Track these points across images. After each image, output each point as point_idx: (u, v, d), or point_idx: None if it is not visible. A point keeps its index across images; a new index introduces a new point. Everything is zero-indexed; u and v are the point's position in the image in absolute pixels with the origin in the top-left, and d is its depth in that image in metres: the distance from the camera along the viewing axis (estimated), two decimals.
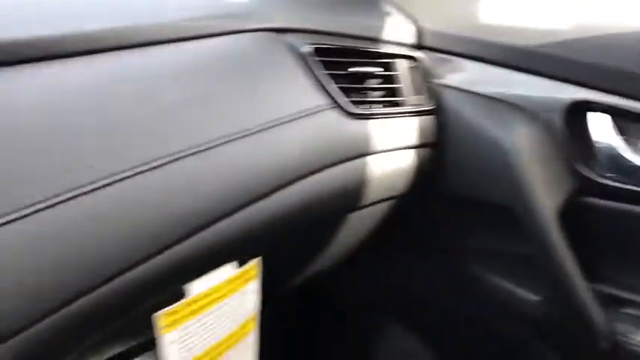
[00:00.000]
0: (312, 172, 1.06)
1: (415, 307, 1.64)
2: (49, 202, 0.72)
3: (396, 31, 1.33)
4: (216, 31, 1.05)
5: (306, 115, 1.05)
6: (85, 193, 0.76)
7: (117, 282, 0.79)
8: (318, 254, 1.29)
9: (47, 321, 0.73)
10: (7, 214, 0.68)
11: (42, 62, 0.81)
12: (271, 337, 1.18)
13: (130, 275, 0.80)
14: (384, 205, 1.31)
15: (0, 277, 0.67)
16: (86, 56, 0.87)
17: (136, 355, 1.01)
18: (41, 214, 0.71)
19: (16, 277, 0.69)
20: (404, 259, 1.60)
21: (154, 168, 0.84)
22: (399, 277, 1.63)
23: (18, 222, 0.69)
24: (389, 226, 1.40)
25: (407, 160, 1.25)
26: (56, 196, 0.73)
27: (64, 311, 0.74)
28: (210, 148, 0.91)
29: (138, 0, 1.06)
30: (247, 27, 1.08)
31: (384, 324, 1.79)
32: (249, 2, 1.16)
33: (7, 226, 0.68)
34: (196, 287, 0.93)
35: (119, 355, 0.99)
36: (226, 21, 1.08)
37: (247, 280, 1.03)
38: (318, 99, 1.07)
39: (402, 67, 1.29)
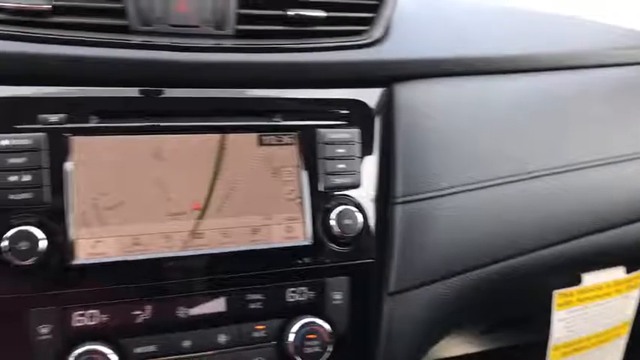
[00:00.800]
0: None
1: None
2: (494, 182, 0.95)
3: None
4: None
5: None
6: (520, 180, 0.97)
7: (534, 255, 0.98)
8: None
9: (481, 271, 0.95)
10: (476, 182, 0.92)
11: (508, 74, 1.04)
12: None
13: (545, 252, 0.98)
14: None
15: (471, 232, 0.92)
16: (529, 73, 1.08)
17: (518, 325, 1.19)
18: (498, 187, 0.94)
19: (474, 235, 0.93)
20: None
21: (572, 170, 1.01)
22: None
23: (486, 190, 0.93)
24: None
25: None
26: (499, 178, 0.95)
27: (496, 266, 0.95)
28: (618, 162, 1.04)
29: (574, 28, 1.22)
30: None
31: None
32: None
33: (477, 192, 0.92)
34: (589, 279, 1.06)
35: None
36: None
37: (631, 287, 1.12)
38: None
39: None
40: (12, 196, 0.71)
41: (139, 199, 0.77)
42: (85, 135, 0.76)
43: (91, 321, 0.74)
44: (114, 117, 0.78)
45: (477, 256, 0.94)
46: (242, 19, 0.83)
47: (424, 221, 0.90)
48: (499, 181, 0.96)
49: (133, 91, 0.79)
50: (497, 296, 1.02)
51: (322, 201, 0.84)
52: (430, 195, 0.91)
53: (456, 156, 0.95)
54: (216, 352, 0.79)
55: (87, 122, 0.76)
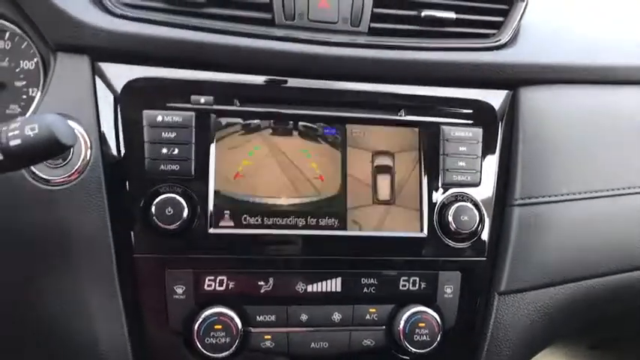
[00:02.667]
0: None
1: None
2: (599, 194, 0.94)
3: None
4: None
5: None
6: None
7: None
8: None
9: (595, 281, 0.94)
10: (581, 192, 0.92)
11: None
12: None
13: None
14: None
15: (587, 240, 0.91)
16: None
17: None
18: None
19: (590, 244, 0.92)
20: None
21: None
22: None
23: (606, 199, 0.91)
24: None
25: None
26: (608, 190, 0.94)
27: (612, 278, 0.94)
28: None
29: None
30: None
31: None
32: None
33: (597, 201, 0.91)
34: None
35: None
36: None
37: None
38: None
39: None
40: (162, 167, 0.79)
41: (271, 179, 0.83)
42: (227, 117, 0.83)
43: (220, 286, 0.81)
44: (253, 102, 0.84)
45: (592, 265, 0.93)
46: (376, 17, 0.87)
47: (540, 225, 0.90)
48: (619, 191, 0.95)
49: (271, 80, 0.85)
50: (612, 310, 1.00)
51: (440, 196, 0.87)
52: (549, 200, 0.91)
53: (577, 164, 0.94)
54: (330, 328, 0.83)
55: (230, 105, 0.83)
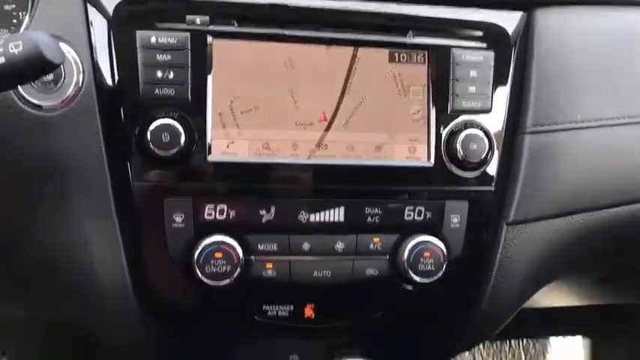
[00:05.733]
0: None
1: None
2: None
3: None
4: None
5: None
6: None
7: None
8: None
9: (608, 211, 0.91)
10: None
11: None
12: None
13: None
14: None
15: (601, 170, 0.88)
16: None
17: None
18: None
19: (604, 174, 0.89)
20: None
21: None
22: None
23: (622, 127, 0.88)
24: None
25: None
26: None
27: (627, 208, 0.91)
28: None
29: None
30: None
31: None
32: None
33: (612, 129, 0.88)
34: None
35: None
36: None
37: None
38: None
39: None
40: (157, 91, 0.76)
41: (271, 106, 0.80)
42: (225, 39, 0.79)
43: (221, 215, 0.79)
44: (252, 23, 0.80)
45: (605, 195, 0.90)
46: None
47: (552, 154, 0.87)
48: (636, 119, 0.91)
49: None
50: (624, 242, 0.97)
51: (449, 123, 0.83)
52: (562, 127, 0.87)
53: (593, 90, 0.90)
54: (332, 257, 0.82)
55: (227, 26, 0.78)
